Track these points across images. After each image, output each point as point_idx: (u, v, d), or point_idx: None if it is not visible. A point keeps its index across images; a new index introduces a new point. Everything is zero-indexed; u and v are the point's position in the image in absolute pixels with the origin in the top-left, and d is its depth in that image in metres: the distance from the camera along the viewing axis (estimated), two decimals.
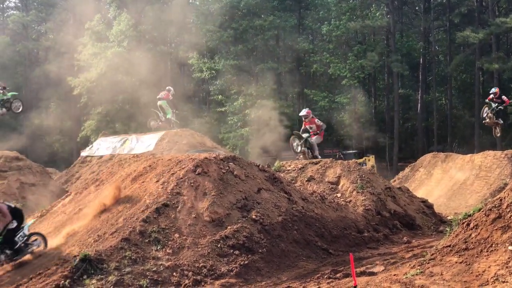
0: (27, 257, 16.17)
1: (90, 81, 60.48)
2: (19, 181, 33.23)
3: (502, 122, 33.65)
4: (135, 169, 19.95)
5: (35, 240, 16.59)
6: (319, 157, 26.45)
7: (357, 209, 21.39)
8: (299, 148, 26.18)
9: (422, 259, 12.07)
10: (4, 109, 25.80)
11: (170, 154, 27.49)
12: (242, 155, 23.24)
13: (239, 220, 16.62)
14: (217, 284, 13.96)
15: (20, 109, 27.35)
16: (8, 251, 15.80)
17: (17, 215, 16.35)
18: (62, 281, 13.35)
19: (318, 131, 26.81)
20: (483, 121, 33.48)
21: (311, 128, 26.88)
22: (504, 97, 32.98)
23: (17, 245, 15.94)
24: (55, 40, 75.20)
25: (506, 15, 56.18)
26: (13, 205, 16.86)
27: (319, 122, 27.06)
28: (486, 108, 32.73)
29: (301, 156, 26.52)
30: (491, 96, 32.96)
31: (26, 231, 16.35)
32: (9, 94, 26.62)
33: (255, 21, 57.96)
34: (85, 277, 13.58)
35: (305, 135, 26.34)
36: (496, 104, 32.48)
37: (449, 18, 61.50)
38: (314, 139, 26.60)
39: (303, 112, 27.50)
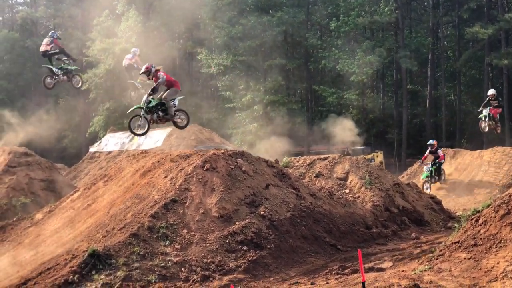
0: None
1: (98, 77, 60.50)
2: (28, 176, 33.30)
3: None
4: (143, 165, 19.98)
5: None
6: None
7: (365, 205, 21.38)
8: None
9: (431, 255, 12.06)
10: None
11: (178, 149, 27.53)
12: (250, 150, 23.29)
13: (248, 216, 16.64)
14: (225, 280, 13.97)
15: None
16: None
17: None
18: (71, 276, 13.40)
19: None
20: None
21: None
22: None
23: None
24: (64, 36, 75.31)
25: None
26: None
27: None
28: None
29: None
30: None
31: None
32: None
33: (263, 17, 57.80)
34: (93, 272, 13.62)
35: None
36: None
37: (458, 14, 61.14)
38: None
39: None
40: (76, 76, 26.92)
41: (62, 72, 25.50)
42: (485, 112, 31.60)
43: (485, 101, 32.17)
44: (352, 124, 44.91)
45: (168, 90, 19.73)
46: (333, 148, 49.13)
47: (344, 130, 42.40)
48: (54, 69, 25.24)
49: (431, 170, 32.26)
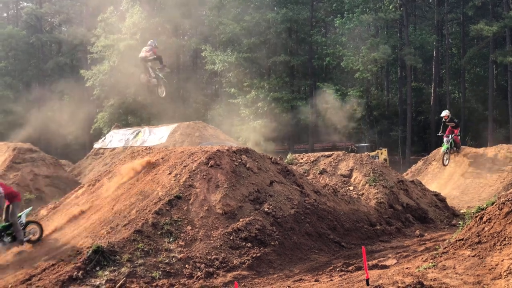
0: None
1: (103, 73, 60.56)
2: (32, 172, 33.41)
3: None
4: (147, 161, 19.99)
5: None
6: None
7: (369, 202, 21.37)
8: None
9: (435, 252, 12.05)
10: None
11: (182, 146, 27.54)
12: (254, 147, 23.29)
13: (252, 213, 16.65)
14: (229, 276, 13.98)
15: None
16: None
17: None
18: (75, 272, 13.42)
19: None
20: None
21: None
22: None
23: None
24: (68, 32, 75.42)
25: None
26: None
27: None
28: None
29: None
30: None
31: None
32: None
33: (268, 14, 57.84)
34: (98, 268, 13.65)
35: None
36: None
37: (463, 11, 61.14)
38: None
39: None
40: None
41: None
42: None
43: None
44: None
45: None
46: (338, 145, 49.16)
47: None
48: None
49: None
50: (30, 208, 18.69)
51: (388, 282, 10.28)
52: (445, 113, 32.76)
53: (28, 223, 16.81)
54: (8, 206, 16.30)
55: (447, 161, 32.30)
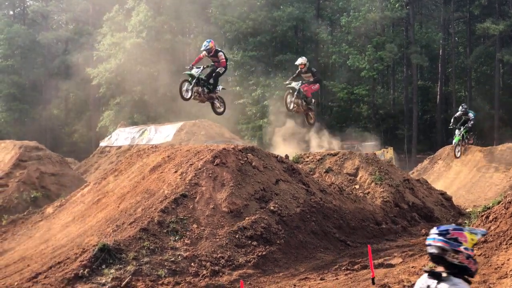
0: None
1: (109, 72, 60.59)
2: (38, 170, 33.41)
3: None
4: (153, 160, 20.02)
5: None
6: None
7: (375, 201, 21.37)
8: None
9: None
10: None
11: (188, 144, 27.55)
12: (260, 146, 23.12)
13: (257, 211, 16.65)
14: (235, 275, 14.00)
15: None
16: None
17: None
18: (81, 270, 13.45)
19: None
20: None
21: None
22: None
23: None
24: (75, 30, 75.51)
25: None
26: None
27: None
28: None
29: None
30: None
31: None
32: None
33: (274, 12, 57.80)
34: (104, 266, 13.67)
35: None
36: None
37: (469, 10, 60.91)
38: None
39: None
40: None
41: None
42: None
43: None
44: None
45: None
46: (343, 143, 49.11)
47: None
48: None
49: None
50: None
51: (393, 281, 10.29)
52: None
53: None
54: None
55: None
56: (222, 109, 21.80)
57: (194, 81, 19.78)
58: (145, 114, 59.40)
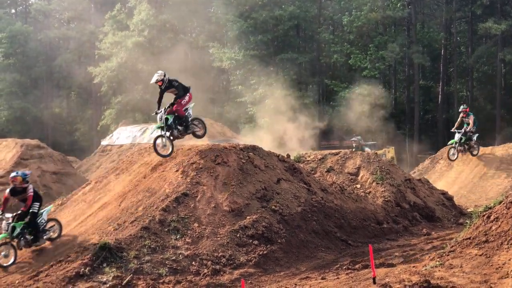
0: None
1: (110, 70, 60.67)
2: (40, 169, 33.50)
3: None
4: (155, 159, 19.99)
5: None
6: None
7: (376, 201, 21.36)
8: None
9: (442, 251, 12.03)
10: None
11: (189, 143, 27.56)
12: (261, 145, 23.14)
13: (259, 210, 16.65)
14: (236, 274, 14.00)
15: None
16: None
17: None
18: (82, 269, 13.47)
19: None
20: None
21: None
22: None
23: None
24: (77, 29, 75.56)
25: None
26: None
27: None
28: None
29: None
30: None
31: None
32: None
33: (275, 11, 57.82)
34: (105, 265, 13.69)
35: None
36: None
37: (471, 9, 60.85)
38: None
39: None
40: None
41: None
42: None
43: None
44: None
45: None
46: (344, 143, 49.09)
47: None
48: None
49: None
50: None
51: (394, 281, 10.28)
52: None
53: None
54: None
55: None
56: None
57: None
58: (146, 113, 59.41)
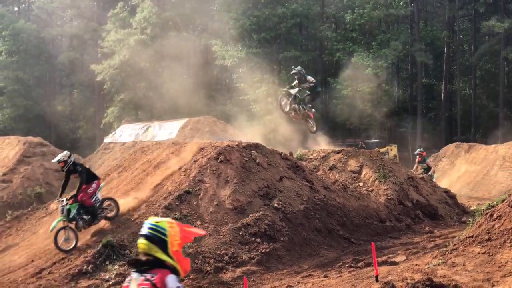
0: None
1: (113, 68, 60.64)
2: (42, 166, 33.55)
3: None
4: (157, 156, 20.02)
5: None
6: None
7: (379, 199, 21.35)
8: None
9: (444, 249, 12.03)
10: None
11: (192, 141, 27.57)
12: (264, 143, 23.02)
13: (261, 208, 16.66)
14: (239, 272, 14.01)
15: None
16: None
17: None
18: (85, 266, 13.50)
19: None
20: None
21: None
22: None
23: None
24: (79, 27, 75.56)
25: None
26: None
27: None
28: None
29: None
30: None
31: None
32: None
33: (278, 9, 57.78)
34: (107, 262, 13.71)
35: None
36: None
37: (474, 7, 60.81)
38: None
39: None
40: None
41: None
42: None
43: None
44: None
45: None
46: (347, 141, 49.09)
47: None
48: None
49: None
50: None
51: (397, 279, 10.28)
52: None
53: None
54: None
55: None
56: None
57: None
58: (149, 111, 59.45)
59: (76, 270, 13.40)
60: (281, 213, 16.76)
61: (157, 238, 5.02)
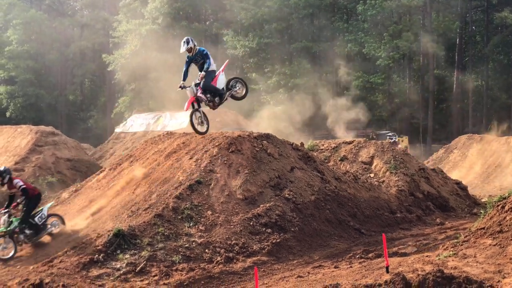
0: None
1: (124, 58, 60.75)
2: (54, 156, 33.65)
3: None
4: (168, 146, 20.02)
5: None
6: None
7: (390, 190, 21.32)
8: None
9: (455, 241, 12.00)
10: None
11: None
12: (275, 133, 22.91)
13: (272, 199, 16.66)
14: (249, 262, 14.02)
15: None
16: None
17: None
18: (96, 255, 13.53)
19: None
20: None
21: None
22: None
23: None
24: (91, 16, 75.65)
25: None
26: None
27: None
28: None
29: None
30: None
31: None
32: None
33: (290, 0, 57.75)
34: (118, 251, 13.74)
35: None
36: None
37: None
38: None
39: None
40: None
41: None
42: None
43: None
44: None
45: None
46: (358, 132, 48.98)
47: None
48: None
49: None
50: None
51: (408, 270, 10.26)
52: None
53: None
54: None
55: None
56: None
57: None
58: (160, 101, 59.53)
59: (87, 259, 13.43)
60: (292, 203, 16.75)
61: None
